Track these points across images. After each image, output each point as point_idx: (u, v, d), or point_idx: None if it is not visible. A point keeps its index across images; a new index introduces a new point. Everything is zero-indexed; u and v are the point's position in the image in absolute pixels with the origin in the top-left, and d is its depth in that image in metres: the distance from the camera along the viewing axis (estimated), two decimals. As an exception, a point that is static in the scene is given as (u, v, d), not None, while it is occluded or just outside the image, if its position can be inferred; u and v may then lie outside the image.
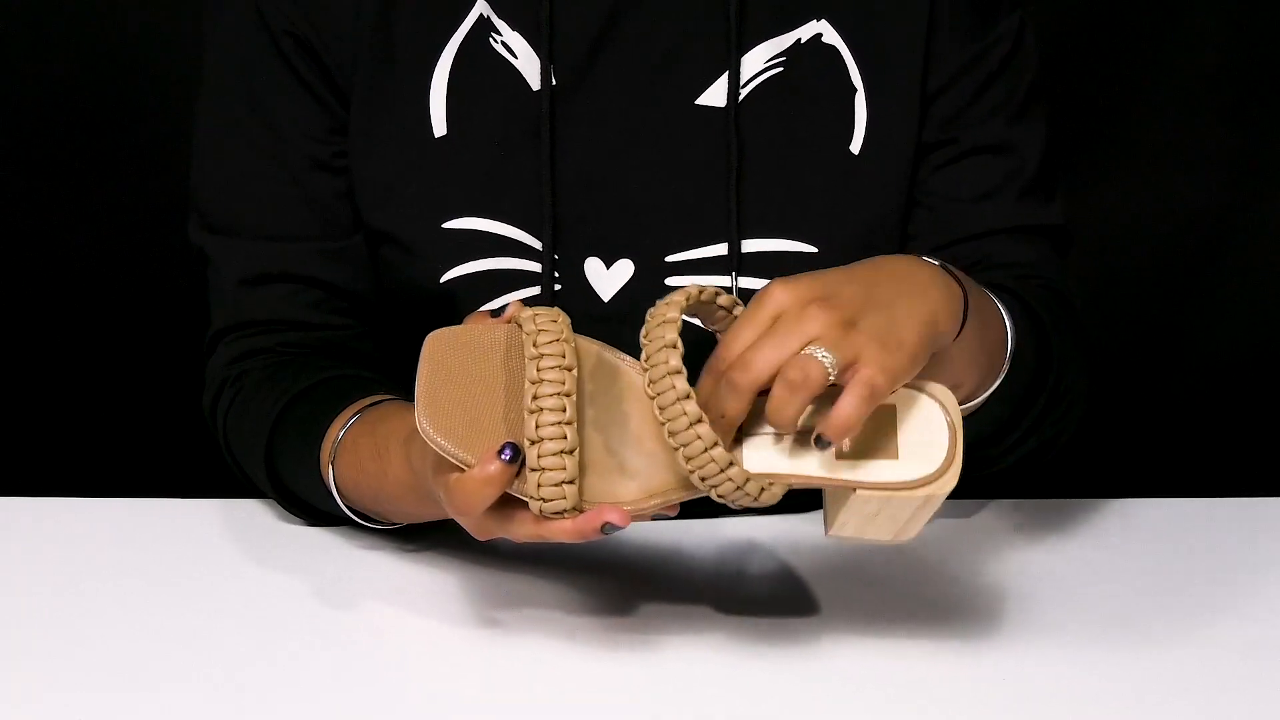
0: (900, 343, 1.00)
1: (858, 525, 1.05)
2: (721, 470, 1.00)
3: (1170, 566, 1.25)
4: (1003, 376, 1.14)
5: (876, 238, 1.31)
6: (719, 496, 1.02)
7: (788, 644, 1.13)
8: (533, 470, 1.02)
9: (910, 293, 1.02)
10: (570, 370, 1.03)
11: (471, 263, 1.29)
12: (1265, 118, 1.93)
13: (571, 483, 1.02)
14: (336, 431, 1.21)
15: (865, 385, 0.98)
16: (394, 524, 1.23)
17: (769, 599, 1.19)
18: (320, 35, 1.30)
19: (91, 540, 1.26)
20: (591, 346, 1.07)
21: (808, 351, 0.99)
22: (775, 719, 1.05)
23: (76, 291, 1.92)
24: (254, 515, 1.30)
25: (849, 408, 0.98)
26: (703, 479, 1.01)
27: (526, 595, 1.18)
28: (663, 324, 1.01)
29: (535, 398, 1.02)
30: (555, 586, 1.19)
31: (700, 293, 1.05)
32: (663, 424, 1.01)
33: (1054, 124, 1.37)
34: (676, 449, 1.00)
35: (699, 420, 0.99)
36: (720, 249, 1.29)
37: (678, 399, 1.00)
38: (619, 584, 1.19)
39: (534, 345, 1.04)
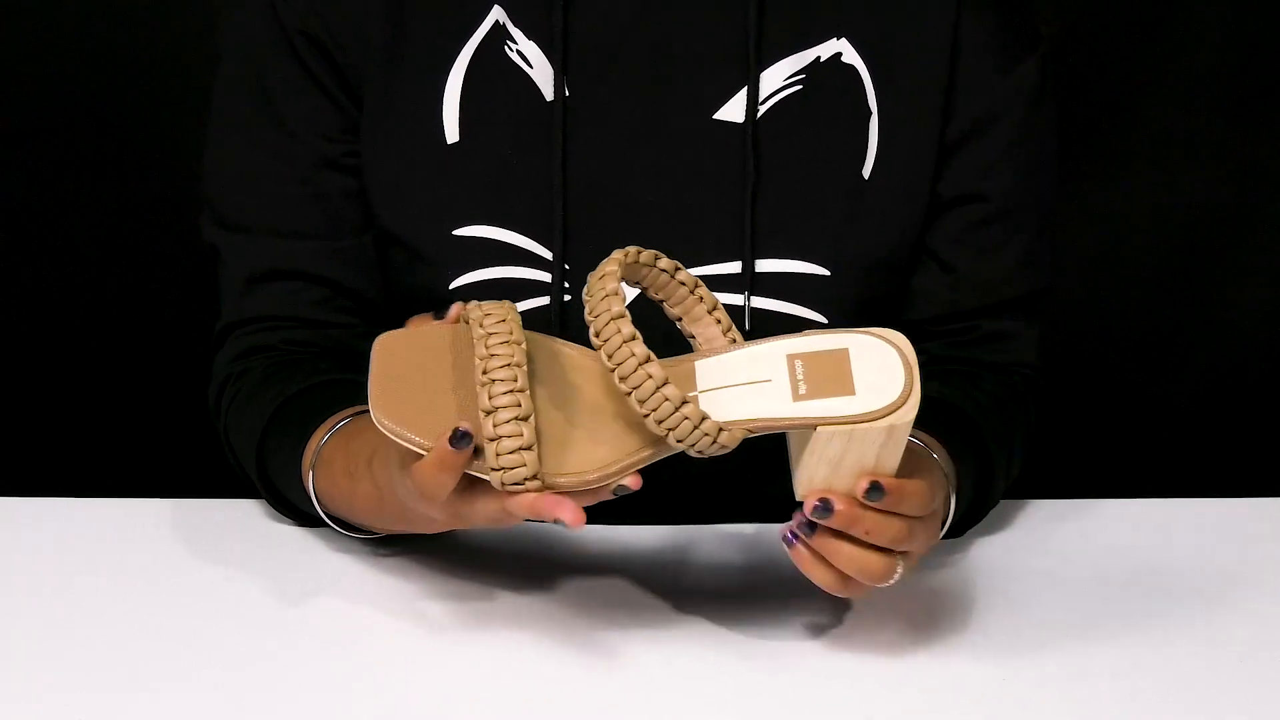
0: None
1: (826, 475, 1.04)
2: (696, 426, 1.02)
3: (1170, 566, 1.25)
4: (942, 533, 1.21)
5: (885, 264, 1.31)
6: (677, 440, 1.03)
7: (781, 648, 1.13)
8: (490, 440, 1.02)
9: None
10: (519, 345, 1.04)
11: (480, 270, 1.29)
12: (1265, 117, 1.93)
13: (529, 449, 1.02)
14: (317, 441, 1.22)
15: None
16: (373, 533, 1.23)
17: (761, 604, 1.19)
18: (333, 34, 1.30)
19: (91, 540, 1.26)
20: (534, 336, 1.08)
21: (896, 570, 1.09)
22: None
23: (77, 291, 1.92)
24: (253, 515, 1.30)
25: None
26: (670, 429, 1.02)
27: (519, 597, 1.18)
28: (606, 298, 1.03)
29: (486, 371, 1.03)
30: (548, 589, 1.19)
31: (639, 253, 1.07)
32: (629, 394, 1.02)
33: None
34: (647, 415, 1.01)
35: (665, 383, 1.01)
36: (733, 267, 1.29)
37: (639, 364, 1.01)
38: (605, 589, 1.19)
39: (480, 327, 1.05)
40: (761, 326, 1.28)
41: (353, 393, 1.26)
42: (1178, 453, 2.00)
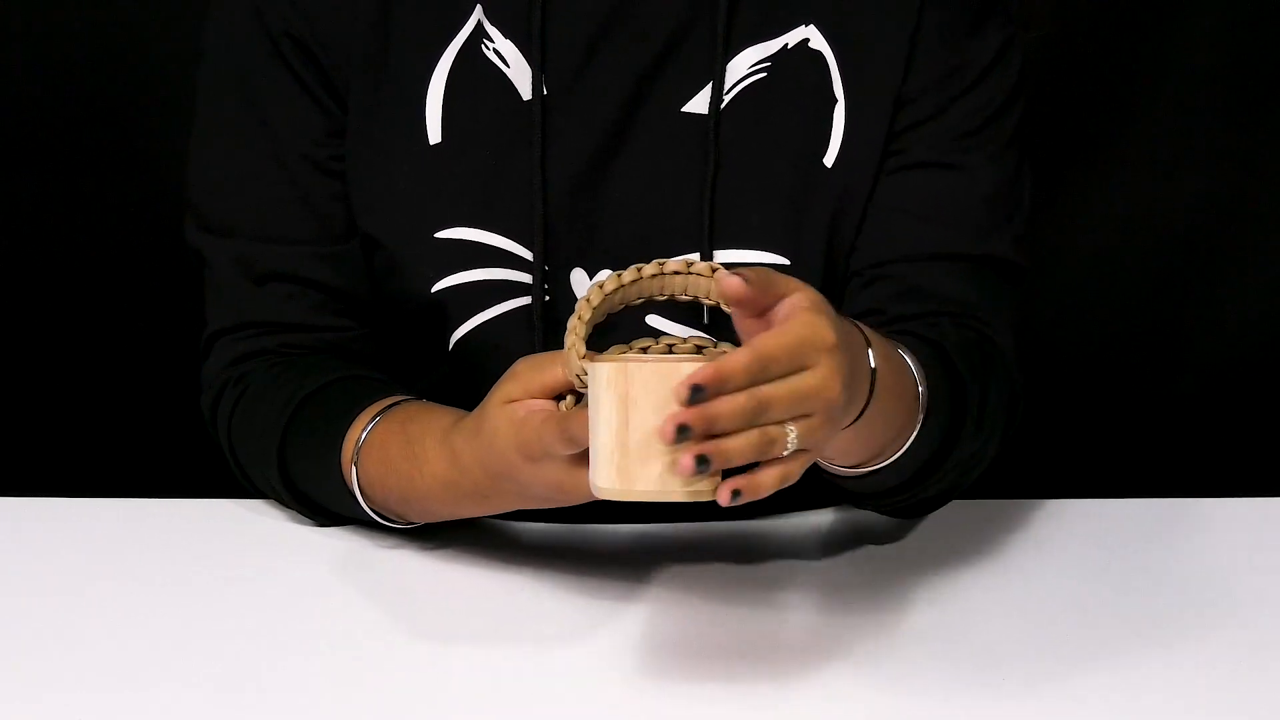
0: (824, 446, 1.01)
1: (608, 437, 0.96)
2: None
3: (1170, 566, 1.25)
4: (913, 438, 1.14)
5: (840, 252, 1.30)
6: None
7: (779, 647, 1.13)
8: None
9: (856, 401, 1.03)
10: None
11: (462, 273, 1.28)
12: (1265, 118, 1.93)
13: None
14: (358, 432, 1.21)
15: (785, 476, 0.97)
16: (413, 524, 1.23)
17: (761, 604, 1.19)
18: (318, 37, 1.29)
19: (91, 540, 1.26)
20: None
21: (788, 436, 0.97)
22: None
23: (76, 291, 1.92)
24: (254, 515, 1.30)
25: (768, 482, 0.97)
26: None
27: (518, 597, 1.18)
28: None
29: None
30: (546, 589, 1.19)
31: (619, 276, 1.06)
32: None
33: (1027, 144, 1.34)
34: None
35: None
36: (693, 259, 1.28)
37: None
38: (602, 589, 1.20)
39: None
40: (720, 317, 1.28)
41: (372, 388, 1.26)
42: (1178, 453, 2.00)
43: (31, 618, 1.15)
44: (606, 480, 0.97)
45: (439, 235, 1.28)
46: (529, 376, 1.09)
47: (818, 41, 1.30)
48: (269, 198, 1.31)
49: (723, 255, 1.28)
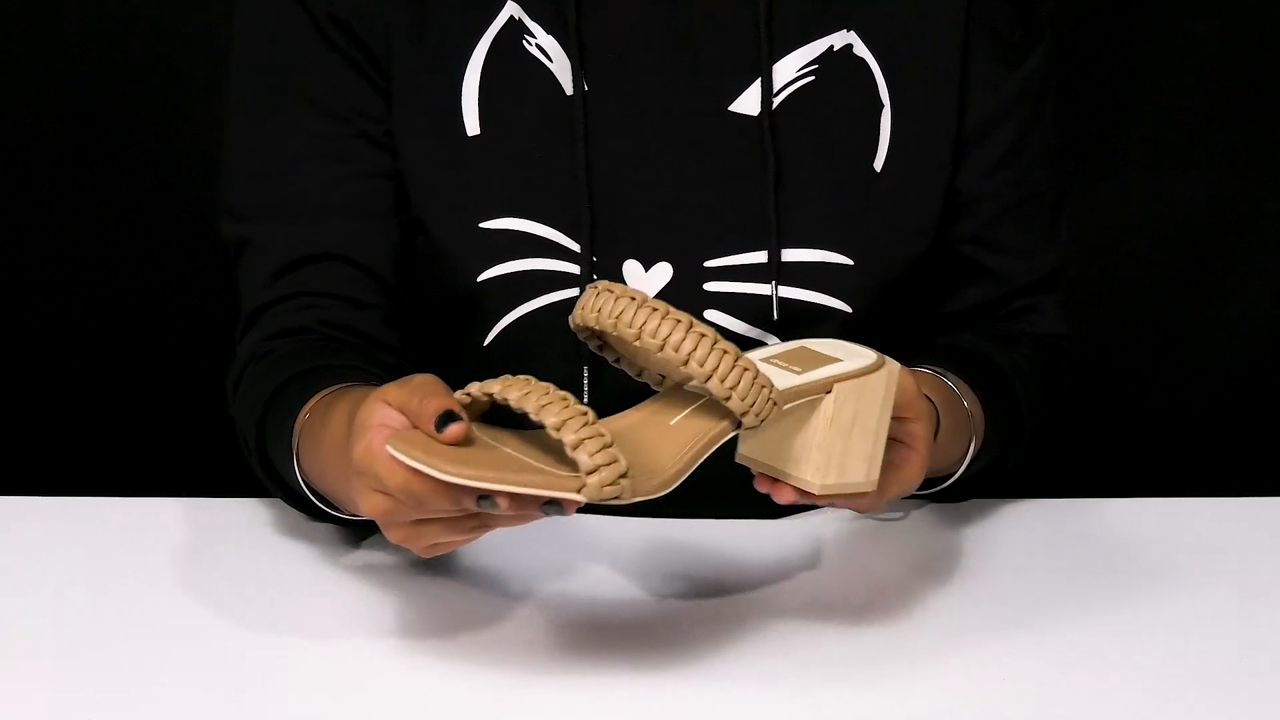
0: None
1: (843, 449, 1.07)
2: (769, 398, 1.04)
3: (1170, 566, 1.25)
4: (962, 469, 1.27)
5: (897, 256, 1.32)
6: (755, 414, 1.03)
7: (779, 645, 1.13)
8: (573, 448, 0.97)
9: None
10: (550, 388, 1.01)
11: (509, 263, 1.28)
12: (1265, 118, 1.93)
13: (612, 445, 0.98)
14: (304, 415, 1.18)
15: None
16: (351, 515, 1.20)
17: (763, 601, 1.19)
18: (360, 16, 1.29)
19: (91, 540, 1.26)
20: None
21: None
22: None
23: (77, 291, 1.92)
24: (255, 515, 1.30)
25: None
26: (746, 400, 1.03)
27: (514, 597, 1.18)
28: (640, 308, 1.03)
29: (536, 412, 0.99)
30: (542, 589, 1.19)
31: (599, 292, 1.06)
32: (706, 375, 1.02)
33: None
34: (730, 390, 1.02)
35: (739, 357, 1.03)
36: (759, 256, 1.29)
37: (713, 344, 1.02)
38: (596, 585, 1.20)
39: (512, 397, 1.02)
40: (788, 316, 1.29)
41: (349, 375, 1.23)
42: (1178, 453, 2.00)
43: (31, 618, 1.15)
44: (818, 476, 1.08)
45: (484, 225, 1.28)
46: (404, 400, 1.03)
47: (860, 49, 1.31)
48: (313, 175, 1.30)
49: (790, 254, 1.29)
